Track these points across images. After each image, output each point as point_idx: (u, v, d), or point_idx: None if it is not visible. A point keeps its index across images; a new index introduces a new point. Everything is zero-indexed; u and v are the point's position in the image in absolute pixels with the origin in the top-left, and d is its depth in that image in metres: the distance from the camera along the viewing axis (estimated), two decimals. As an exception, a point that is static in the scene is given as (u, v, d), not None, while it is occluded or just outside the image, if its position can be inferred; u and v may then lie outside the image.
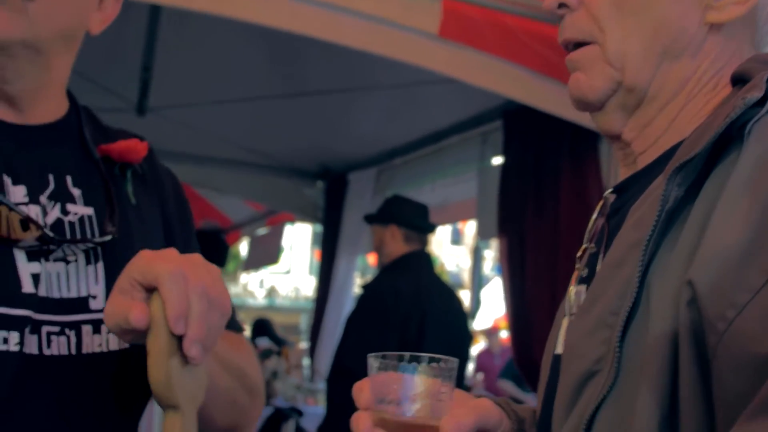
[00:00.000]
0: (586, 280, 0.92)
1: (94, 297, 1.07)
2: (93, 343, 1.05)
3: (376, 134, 4.72)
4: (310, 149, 5.23)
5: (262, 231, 7.67)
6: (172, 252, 0.95)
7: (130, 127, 4.03)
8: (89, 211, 1.12)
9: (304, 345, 7.80)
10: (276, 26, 2.72)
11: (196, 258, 0.94)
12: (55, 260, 1.04)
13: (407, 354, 0.89)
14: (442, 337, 3.44)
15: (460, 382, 3.62)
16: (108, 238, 1.10)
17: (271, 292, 30.19)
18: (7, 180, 1.04)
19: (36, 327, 1.00)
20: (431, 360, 0.88)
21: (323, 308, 5.50)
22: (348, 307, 5.35)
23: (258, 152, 5.26)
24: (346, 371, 3.31)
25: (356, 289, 5.39)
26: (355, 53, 2.91)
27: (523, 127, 3.47)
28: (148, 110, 4.06)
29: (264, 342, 6.54)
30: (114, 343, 1.07)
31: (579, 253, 0.96)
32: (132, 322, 0.88)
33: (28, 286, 1.00)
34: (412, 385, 0.88)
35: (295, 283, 30.54)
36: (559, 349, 0.92)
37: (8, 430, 0.98)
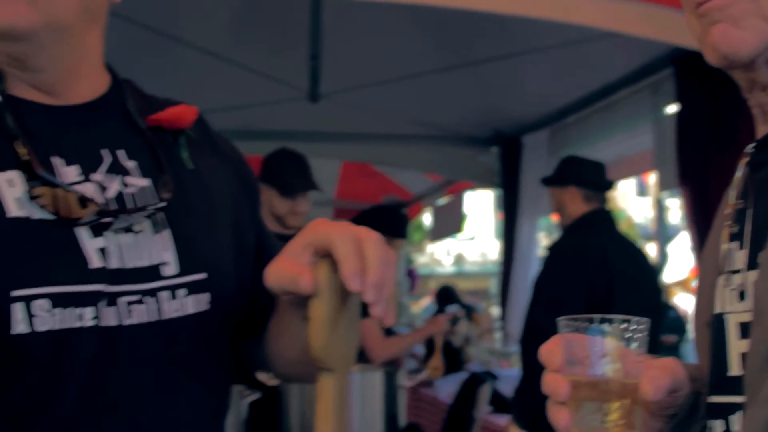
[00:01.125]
0: (737, 237, 0.89)
1: (166, 263, 1.07)
2: (171, 309, 1.05)
3: (546, 95, 4.69)
4: (481, 116, 5.25)
5: (442, 201, 7.75)
6: (345, 223, 0.96)
7: (305, 115, 4.21)
8: (146, 182, 1.10)
9: (495, 309, 7.84)
10: (440, 4, 2.78)
11: (365, 228, 0.95)
12: (120, 232, 1.03)
13: (597, 316, 0.87)
14: (630, 295, 3.38)
15: (655, 338, 3.56)
16: (163, 204, 1.08)
17: (459, 259, 30.37)
18: (58, 162, 1.03)
19: (112, 299, 0.99)
20: (621, 321, 0.87)
21: (509, 271, 5.52)
22: (534, 269, 5.33)
23: (431, 125, 5.33)
24: (538, 333, 3.32)
25: (541, 251, 5.38)
26: (516, 17, 2.92)
27: (696, 73, 3.34)
28: (320, 97, 4.20)
29: (452, 309, 6.64)
30: (191, 307, 1.07)
31: (727, 210, 0.94)
32: (301, 287, 0.90)
33: (96, 262, 1.00)
34: (602, 347, 0.87)
35: (481, 249, 30.58)
36: (719, 308, 0.91)
37: (97, 404, 0.99)
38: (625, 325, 0.87)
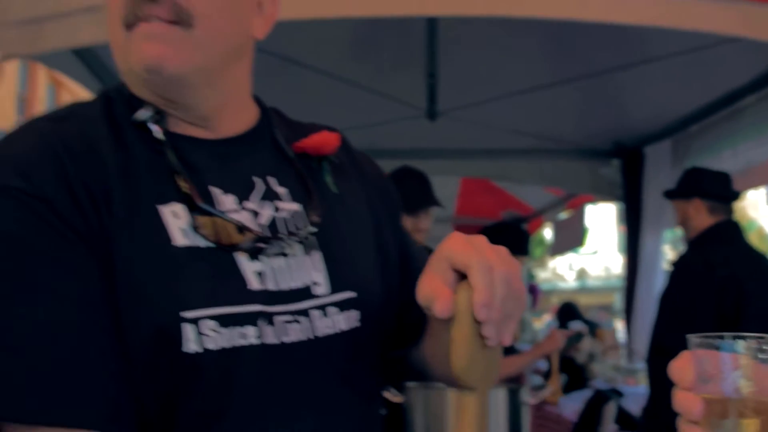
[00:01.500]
0: None
1: (317, 284, 1.12)
2: (323, 326, 1.10)
3: (667, 104, 4.58)
4: (602, 128, 5.17)
5: (563, 215, 7.66)
6: (482, 240, 0.99)
7: (423, 133, 4.26)
8: (297, 206, 1.16)
9: (620, 324, 7.67)
10: (558, 17, 2.77)
11: (503, 250, 0.98)
12: (275, 255, 1.09)
13: (729, 333, 0.85)
14: (762, 310, 3.27)
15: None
16: (314, 229, 1.14)
17: (581, 274, 29.88)
18: (217, 191, 1.10)
19: (270, 319, 1.05)
20: (755, 338, 0.84)
21: (634, 286, 5.40)
22: (659, 283, 5.20)
23: (550, 138, 5.29)
24: (665, 349, 3.25)
25: (666, 264, 5.24)
26: (634, 27, 2.87)
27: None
28: (438, 114, 4.23)
29: (576, 325, 6.53)
30: (343, 324, 1.13)
31: None
32: (437, 312, 0.94)
33: (254, 284, 1.06)
34: (736, 365, 0.84)
35: (604, 263, 29.99)
36: None
37: (261, 415, 1.05)
38: (758, 343, 0.84)
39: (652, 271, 5.30)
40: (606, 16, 2.68)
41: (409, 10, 2.70)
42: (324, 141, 1.25)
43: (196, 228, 1.04)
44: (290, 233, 1.12)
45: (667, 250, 5.90)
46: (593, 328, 6.56)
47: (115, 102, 1.12)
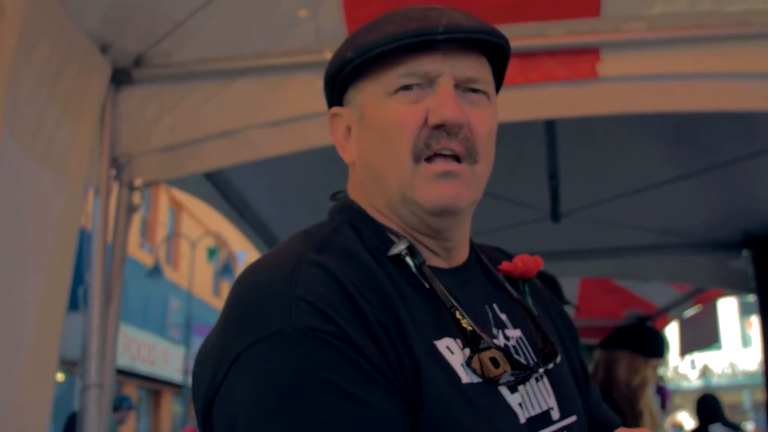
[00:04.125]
0: None
1: (552, 408, 1.15)
2: None
3: (799, 190, 4.43)
4: (728, 219, 5.01)
5: (690, 311, 7.38)
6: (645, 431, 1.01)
7: (547, 234, 4.23)
8: (518, 333, 1.19)
9: (750, 425, 7.22)
10: (673, 110, 2.74)
11: None
12: (522, 386, 1.11)
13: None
14: None
15: None
16: (559, 358, 1.18)
17: (705, 371, 28.63)
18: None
19: None
20: None
21: (775, 383, 5.12)
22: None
23: (674, 233, 5.15)
24: None
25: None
26: (755, 113, 2.80)
27: None
28: (562, 215, 4.19)
29: (718, 429, 6.16)
30: None
31: None
32: None
33: (522, 417, 1.08)
34: None
35: (729, 359, 28.70)
36: None
37: None
38: None
39: (793, 366, 5.02)
40: (731, 104, 2.63)
41: (530, 115, 2.71)
42: (530, 266, 1.29)
43: (469, 363, 1.05)
44: (542, 367, 1.15)
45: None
46: (736, 429, 6.19)
47: (362, 232, 1.14)
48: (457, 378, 1.03)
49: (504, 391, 1.08)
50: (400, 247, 1.11)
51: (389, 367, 0.98)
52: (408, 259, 1.11)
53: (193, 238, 20.40)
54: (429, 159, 1.10)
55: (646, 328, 4.34)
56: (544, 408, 1.13)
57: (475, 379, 1.05)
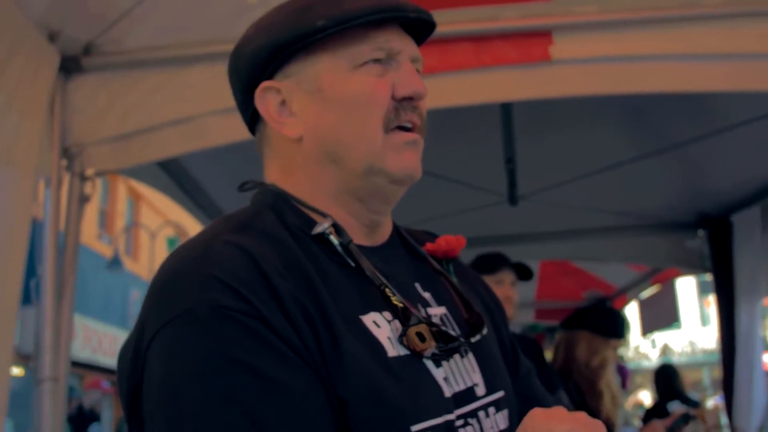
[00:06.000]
0: None
1: (477, 385, 1.16)
2: (488, 427, 1.13)
3: (753, 170, 4.47)
4: (685, 199, 5.08)
5: (648, 291, 7.48)
6: (561, 411, 1.00)
7: (505, 218, 4.26)
8: (442, 310, 1.21)
9: (710, 401, 7.33)
10: (626, 92, 2.75)
11: (583, 417, 0.98)
12: (446, 360, 1.13)
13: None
14: None
15: None
16: (485, 330, 1.20)
17: (665, 351, 29.03)
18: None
19: (452, 425, 1.08)
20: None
21: (732, 359, 5.19)
22: (759, 355, 5.02)
23: (631, 214, 5.21)
24: None
25: (763, 335, 5.04)
26: (711, 95, 2.83)
27: None
28: (519, 199, 4.21)
29: (675, 406, 6.24)
30: (501, 423, 1.16)
31: None
32: None
33: (446, 391, 1.09)
34: None
35: (688, 338, 29.12)
36: None
37: None
38: None
39: (750, 344, 5.09)
40: (684, 86, 2.65)
41: (484, 98, 2.71)
42: (452, 245, 1.31)
43: (401, 338, 1.06)
44: (465, 341, 1.15)
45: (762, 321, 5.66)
46: (695, 407, 6.28)
47: (284, 212, 1.15)
48: (383, 351, 1.03)
49: (430, 365, 1.09)
50: (324, 226, 1.11)
51: (303, 344, 0.98)
52: (332, 238, 1.11)
53: (152, 228, 20.21)
54: (395, 130, 1.14)
55: (605, 308, 4.39)
56: (469, 384, 1.14)
57: (403, 352, 1.05)
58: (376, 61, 1.14)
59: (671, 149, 4.00)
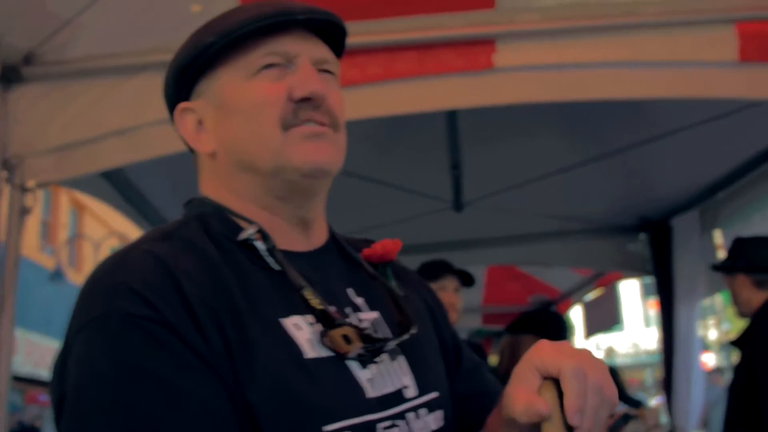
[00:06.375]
0: None
1: (407, 387, 1.16)
2: (417, 428, 1.14)
3: (691, 174, 4.58)
4: (626, 204, 5.17)
5: (592, 295, 7.59)
6: (567, 346, 1.03)
7: (451, 224, 4.29)
8: (376, 315, 1.22)
9: (653, 401, 7.46)
10: (568, 100, 2.80)
11: (588, 354, 1.01)
12: (373, 362, 1.14)
13: None
14: None
15: None
16: (414, 330, 1.20)
17: (609, 353, 29.44)
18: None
19: (374, 427, 1.08)
20: None
21: (671, 361, 5.30)
22: (697, 355, 5.14)
23: (575, 219, 5.29)
24: None
25: (701, 335, 5.14)
26: (652, 101, 2.89)
27: None
28: (464, 205, 4.25)
29: (618, 407, 6.33)
30: (433, 424, 1.17)
31: None
32: (540, 415, 0.97)
33: (370, 392, 1.10)
34: None
35: (632, 339, 29.59)
36: None
37: None
38: None
39: (688, 344, 5.20)
40: (625, 93, 2.70)
41: (428, 106, 2.74)
42: (389, 249, 1.32)
43: (322, 340, 1.07)
44: (392, 339, 1.16)
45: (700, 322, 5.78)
46: (637, 407, 6.38)
47: (209, 221, 1.16)
48: (300, 352, 1.04)
49: (353, 366, 1.10)
50: (248, 232, 1.13)
51: (211, 350, 0.99)
52: (257, 243, 1.12)
53: (96, 239, 19.90)
54: (296, 126, 1.15)
55: (549, 313, 4.46)
56: (398, 386, 1.15)
57: (324, 354, 1.07)
58: (272, 66, 1.16)
59: (613, 155, 4.08)
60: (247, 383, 0.99)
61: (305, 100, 1.15)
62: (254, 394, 0.99)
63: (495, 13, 2.58)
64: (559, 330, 4.04)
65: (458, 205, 4.25)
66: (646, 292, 25.28)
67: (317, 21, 1.20)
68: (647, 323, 28.84)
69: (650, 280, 5.85)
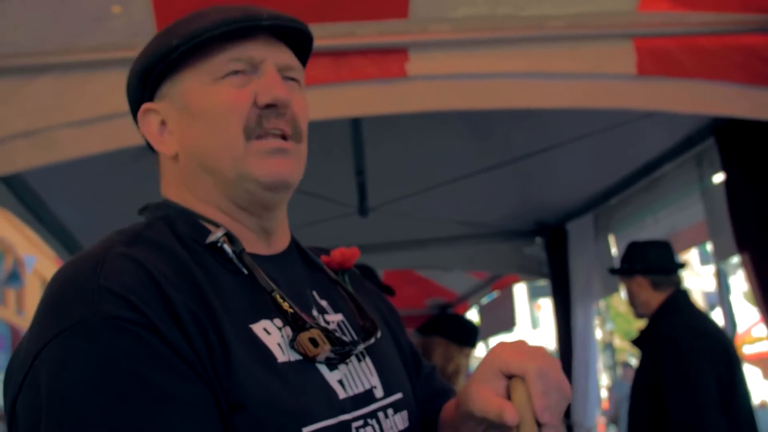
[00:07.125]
0: None
1: (375, 387, 1.20)
2: (387, 427, 1.17)
3: (586, 181, 4.74)
4: (524, 209, 5.31)
5: (488, 298, 7.74)
6: (525, 345, 1.07)
7: (355, 228, 4.32)
8: (339, 317, 1.25)
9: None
10: (477, 108, 2.87)
11: (544, 352, 1.06)
12: (342, 364, 1.16)
13: None
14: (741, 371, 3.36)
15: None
16: (379, 334, 1.24)
17: (499, 354, 30.07)
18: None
19: (348, 426, 1.11)
20: None
21: (570, 360, 5.47)
22: (594, 355, 5.32)
23: (474, 223, 5.40)
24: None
25: (599, 336, 5.34)
26: (549, 111, 2.99)
27: (738, 140, 3.39)
28: (369, 210, 4.29)
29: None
30: (400, 424, 1.21)
31: None
32: (507, 420, 1.00)
33: (341, 394, 1.12)
34: None
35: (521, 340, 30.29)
36: None
37: None
38: None
39: (585, 344, 5.38)
40: (530, 102, 2.79)
41: (342, 113, 2.76)
42: (348, 256, 1.35)
43: (292, 344, 1.08)
44: (361, 342, 1.19)
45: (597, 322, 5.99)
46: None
47: (176, 224, 1.15)
48: (273, 358, 1.05)
49: (323, 369, 1.11)
50: (216, 235, 1.14)
51: (195, 354, 0.99)
52: (226, 246, 1.13)
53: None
54: (259, 137, 1.15)
55: (461, 318, 4.53)
56: (367, 386, 1.17)
57: (294, 358, 1.08)
58: (237, 72, 1.17)
59: (512, 162, 4.19)
60: (228, 388, 0.99)
61: (270, 106, 1.15)
62: (235, 399, 0.99)
63: (408, 23, 2.63)
64: (469, 336, 4.13)
65: (363, 209, 4.29)
66: (532, 295, 25.89)
67: (282, 27, 1.21)
68: (534, 325, 29.56)
69: (541, 282, 6.02)
